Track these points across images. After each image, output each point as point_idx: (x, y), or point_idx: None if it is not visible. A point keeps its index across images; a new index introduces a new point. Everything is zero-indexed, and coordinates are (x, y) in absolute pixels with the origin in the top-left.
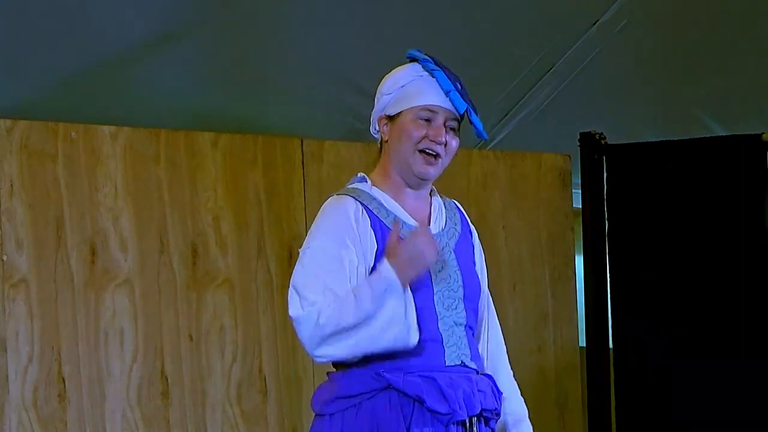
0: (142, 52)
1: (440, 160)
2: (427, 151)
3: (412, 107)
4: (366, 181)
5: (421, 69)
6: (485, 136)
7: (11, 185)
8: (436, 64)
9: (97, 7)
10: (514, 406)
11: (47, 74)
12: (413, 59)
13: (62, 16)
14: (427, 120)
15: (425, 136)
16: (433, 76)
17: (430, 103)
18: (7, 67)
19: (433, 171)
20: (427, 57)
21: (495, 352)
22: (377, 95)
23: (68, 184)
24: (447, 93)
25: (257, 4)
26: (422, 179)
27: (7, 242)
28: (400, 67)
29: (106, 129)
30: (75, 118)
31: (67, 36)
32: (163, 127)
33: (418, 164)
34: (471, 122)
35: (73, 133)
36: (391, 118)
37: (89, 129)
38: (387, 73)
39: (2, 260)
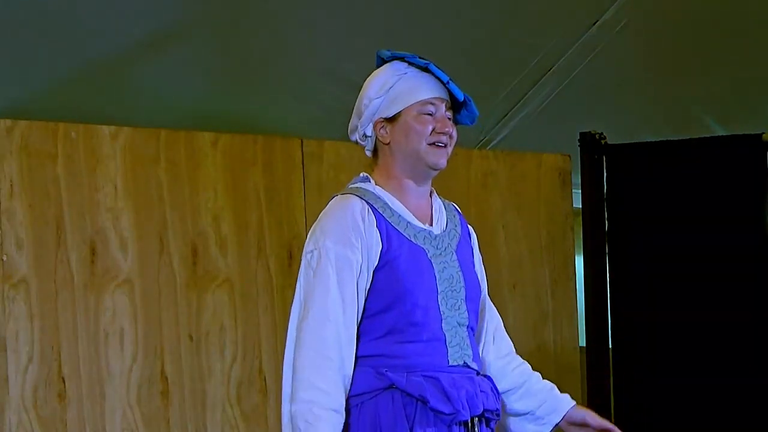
0: (142, 52)
1: (448, 149)
2: (437, 143)
3: (412, 104)
4: (369, 181)
5: (404, 66)
6: (476, 118)
7: (11, 185)
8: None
9: (97, 6)
10: (538, 380)
11: (47, 74)
12: (393, 58)
13: (62, 16)
14: (429, 113)
15: (433, 130)
16: (426, 70)
17: (430, 96)
18: (7, 68)
19: (445, 160)
20: (406, 54)
21: (498, 326)
22: (363, 101)
23: (68, 184)
24: (446, 83)
25: (257, 5)
26: (435, 169)
27: (7, 242)
28: (379, 70)
29: (106, 129)
30: (75, 118)
31: (67, 36)
32: (163, 127)
33: (432, 156)
34: (467, 108)
35: (73, 133)
36: (389, 120)
37: (89, 129)
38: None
39: (2, 260)
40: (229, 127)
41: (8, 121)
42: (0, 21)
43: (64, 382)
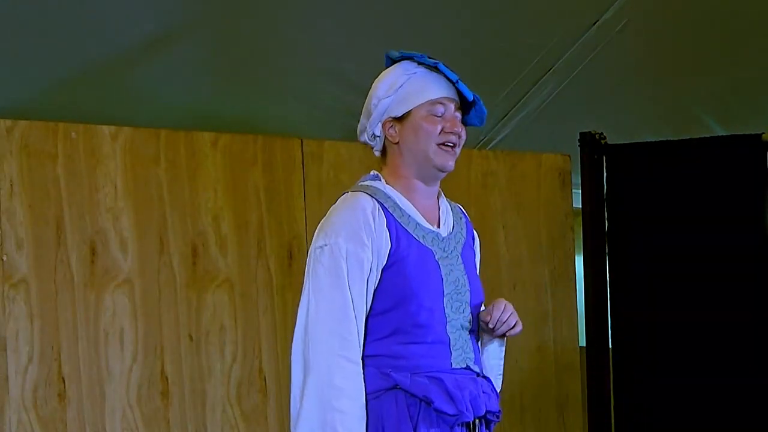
0: (142, 52)
1: (456, 149)
2: (446, 143)
3: (421, 103)
4: (380, 179)
5: (413, 66)
6: (485, 118)
7: (11, 185)
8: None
9: (98, 7)
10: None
11: (47, 74)
12: (402, 58)
13: (62, 16)
14: (439, 113)
15: (442, 130)
16: (436, 70)
17: (439, 96)
18: (7, 67)
19: (452, 162)
20: (416, 54)
21: None
22: (372, 101)
23: (68, 184)
24: (455, 83)
25: (257, 5)
26: (443, 171)
27: (7, 242)
28: (388, 70)
29: (106, 129)
30: (75, 118)
31: (67, 36)
32: (163, 127)
33: (440, 157)
34: (476, 108)
35: (73, 133)
36: (398, 120)
37: (89, 129)
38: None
39: (2, 260)
40: (229, 127)
41: (8, 121)
42: (0, 21)
43: (64, 382)
